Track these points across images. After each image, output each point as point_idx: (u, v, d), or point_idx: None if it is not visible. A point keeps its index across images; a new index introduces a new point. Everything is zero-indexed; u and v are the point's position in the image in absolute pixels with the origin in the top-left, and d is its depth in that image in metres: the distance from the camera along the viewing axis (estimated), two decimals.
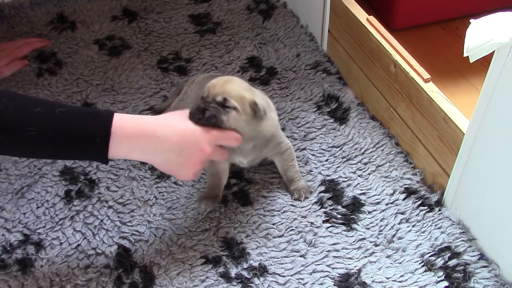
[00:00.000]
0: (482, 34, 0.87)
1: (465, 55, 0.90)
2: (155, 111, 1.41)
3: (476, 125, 1.03)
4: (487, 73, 0.96)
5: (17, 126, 0.90)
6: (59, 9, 1.74)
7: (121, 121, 0.95)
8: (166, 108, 1.35)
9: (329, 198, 1.22)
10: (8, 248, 1.14)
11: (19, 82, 1.51)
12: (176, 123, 1.01)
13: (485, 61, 1.59)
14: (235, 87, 1.05)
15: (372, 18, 1.32)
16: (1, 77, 1.51)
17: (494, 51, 0.93)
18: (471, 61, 0.90)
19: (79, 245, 1.15)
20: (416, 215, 1.18)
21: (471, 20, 0.92)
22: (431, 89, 1.15)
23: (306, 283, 1.08)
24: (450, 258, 1.10)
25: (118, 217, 1.19)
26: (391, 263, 1.11)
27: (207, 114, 1.01)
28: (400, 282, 1.08)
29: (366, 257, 1.12)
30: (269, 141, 1.16)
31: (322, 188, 1.24)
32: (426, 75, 1.17)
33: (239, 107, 1.03)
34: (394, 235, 1.15)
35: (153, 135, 0.97)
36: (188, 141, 0.99)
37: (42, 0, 1.75)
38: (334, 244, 1.14)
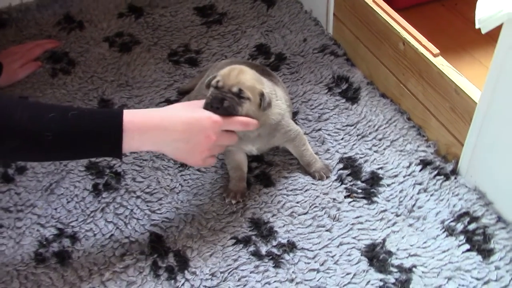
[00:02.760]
0: (492, 5, 0.92)
1: (477, 26, 0.94)
2: (179, 91, 1.49)
3: (488, 93, 1.07)
4: (498, 41, 1.00)
5: (34, 133, 0.96)
6: (65, 10, 1.77)
7: (131, 116, 1.01)
8: (190, 89, 1.42)
9: (348, 175, 1.27)
10: (44, 243, 1.18)
11: (34, 83, 1.54)
12: (183, 113, 1.06)
13: (486, 36, 1.64)
14: (248, 78, 1.12)
15: None
16: (16, 79, 1.54)
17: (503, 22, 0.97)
18: (483, 32, 0.95)
19: (112, 235, 1.19)
20: (433, 184, 1.23)
21: None
22: (441, 63, 1.20)
23: (334, 255, 1.13)
24: (469, 223, 1.15)
25: (147, 206, 1.24)
26: (414, 231, 1.16)
27: (226, 104, 1.07)
28: (424, 248, 1.13)
29: (389, 227, 1.17)
30: (275, 130, 1.20)
31: (341, 165, 1.29)
32: (435, 50, 1.22)
33: (252, 97, 1.10)
34: (414, 205, 1.20)
35: (162, 127, 1.03)
36: (194, 130, 1.05)
37: (47, 2, 1.78)
38: (358, 217, 1.19)
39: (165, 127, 1.03)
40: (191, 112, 1.07)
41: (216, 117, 1.07)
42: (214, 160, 1.14)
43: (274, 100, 1.17)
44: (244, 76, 1.11)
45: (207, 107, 1.08)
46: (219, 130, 1.08)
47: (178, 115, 1.05)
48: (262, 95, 1.11)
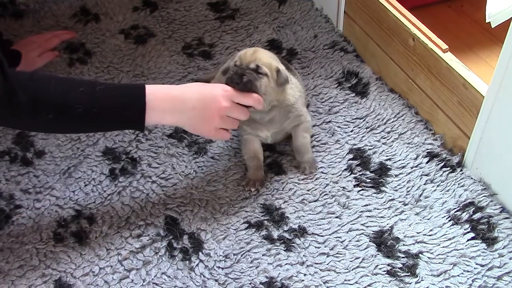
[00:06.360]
0: (501, 1, 0.96)
1: (487, 20, 0.99)
2: (195, 81, 1.51)
3: (495, 87, 1.12)
4: (506, 36, 1.04)
5: (66, 106, 1.05)
6: (82, 2, 1.81)
7: (152, 90, 1.10)
8: (206, 81, 1.43)
9: (357, 165, 1.31)
10: (63, 223, 1.22)
11: (52, 72, 1.58)
12: (199, 86, 1.17)
13: (492, 36, 1.68)
14: (264, 56, 1.18)
15: None
16: (34, 68, 1.57)
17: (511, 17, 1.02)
18: (492, 26, 0.99)
19: (129, 217, 1.23)
20: (440, 175, 1.27)
21: None
22: (450, 58, 1.25)
23: (344, 241, 1.17)
24: (474, 212, 1.20)
25: (162, 190, 1.28)
26: (420, 220, 1.20)
27: (245, 79, 1.14)
28: (430, 235, 1.17)
29: (396, 215, 1.21)
30: (289, 111, 1.25)
31: (350, 156, 1.33)
32: (444, 46, 1.26)
33: (269, 73, 1.16)
34: (421, 195, 1.24)
35: (179, 97, 1.12)
36: (207, 98, 1.13)
37: None
38: (366, 205, 1.23)
39: (182, 97, 1.12)
40: (206, 85, 1.17)
41: (227, 86, 1.15)
42: (228, 134, 1.19)
43: (289, 79, 1.22)
44: (260, 54, 1.18)
45: (227, 81, 1.15)
46: (230, 99, 1.14)
47: (194, 87, 1.15)
48: (278, 71, 1.17)
